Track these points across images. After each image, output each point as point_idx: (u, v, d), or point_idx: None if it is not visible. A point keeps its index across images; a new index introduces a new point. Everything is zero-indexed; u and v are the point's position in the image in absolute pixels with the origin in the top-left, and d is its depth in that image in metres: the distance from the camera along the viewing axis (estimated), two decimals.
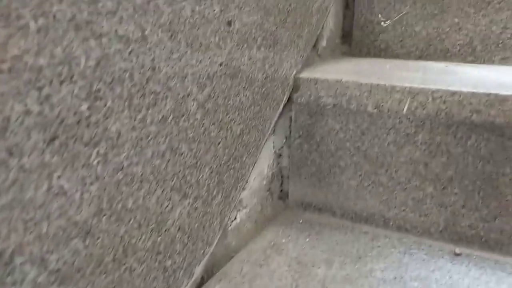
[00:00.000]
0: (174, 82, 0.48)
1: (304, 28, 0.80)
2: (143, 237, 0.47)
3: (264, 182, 0.82)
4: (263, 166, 0.81)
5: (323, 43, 1.02)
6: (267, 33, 0.67)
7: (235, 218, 0.74)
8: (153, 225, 0.48)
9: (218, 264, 0.68)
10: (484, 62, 1.00)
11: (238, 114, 0.62)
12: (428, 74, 0.83)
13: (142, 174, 0.45)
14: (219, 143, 0.59)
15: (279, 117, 0.81)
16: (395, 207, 0.78)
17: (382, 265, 0.68)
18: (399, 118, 0.74)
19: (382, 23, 1.07)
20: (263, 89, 0.68)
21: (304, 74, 0.81)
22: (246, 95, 0.64)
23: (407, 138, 0.74)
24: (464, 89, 0.68)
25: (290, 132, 0.85)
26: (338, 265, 0.68)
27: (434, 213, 0.75)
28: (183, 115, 0.51)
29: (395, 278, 0.65)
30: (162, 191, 0.49)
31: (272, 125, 0.74)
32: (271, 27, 0.68)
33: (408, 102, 0.71)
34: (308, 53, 0.84)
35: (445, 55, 1.03)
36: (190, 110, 0.52)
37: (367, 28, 1.09)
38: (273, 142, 0.84)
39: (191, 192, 0.54)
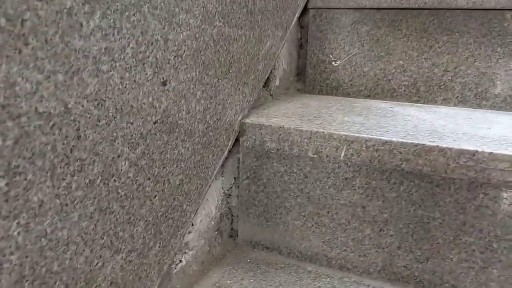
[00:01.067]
0: (102, 147, 0.51)
1: (250, 75, 0.84)
2: None
3: (213, 223, 0.85)
4: (211, 207, 0.84)
5: (276, 82, 1.06)
6: (208, 86, 0.70)
7: (180, 261, 0.76)
8: (81, 284, 0.50)
9: None
10: (428, 102, 1.05)
11: (176, 166, 0.65)
12: (369, 118, 0.87)
13: (68, 237, 0.48)
14: (155, 196, 0.61)
15: (227, 158, 0.84)
16: (337, 247, 0.81)
17: None
18: (338, 163, 0.78)
19: (333, 63, 1.12)
20: (205, 138, 0.71)
21: (250, 119, 0.84)
22: (185, 147, 0.66)
23: (346, 182, 0.78)
24: (395, 139, 0.72)
25: (239, 173, 0.88)
26: None
27: (373, 254, 0.78)
28: (113, 176, 0.53)
29: None
30: (91, 250, 0.51)
31: (216, 171, 0.77)
32: (211, 80, 0.71)
33: (344, 149, 0.75)
34: (255, 98, 0.88)
35: (392, 95, 1.07)
36: (122, 170, 0.54)
37: (319, 67, 1.14)
38: (222, 183, 0.87)
39: (124, 247, 0.56)
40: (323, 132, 0.76)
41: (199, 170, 0.71)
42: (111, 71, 0.51)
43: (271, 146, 0.81)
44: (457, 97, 1.02)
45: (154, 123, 0.59)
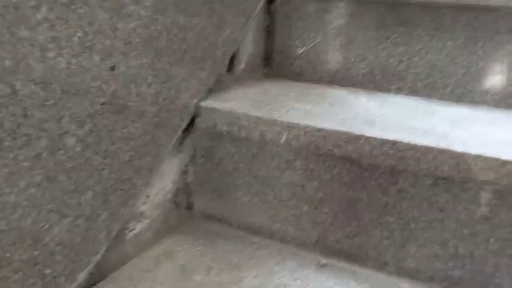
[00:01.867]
0: (48, 124, 0.58)
1: (207, 61, 0.90)
2: (19, 251, 0.57)
3: (169, 196, 0.93)
4: (167, 182, 0.91)
5: (241, 66, 1.12)
6: (160, 71, 0.77)
7: (133, 229, 0.84)
8: (29, 241, 0.59)
9: (112, 269, 0.79)
10: (383, 91, 1.11)
11: (126, 144, 0.72)
12: (318, 106, 0.94)
13: (14, 201, 0.55)
14: (103, 169, 0.69)
15: (186, 137, 0.92)
16: (279, 221, 0.89)
17: (254, 273, 0.80)
18: (280, 146, 0.85)
19: (298, 49, 1.18)
20: (156, 119, 0.78)
21: (207, 102, 0.91)
22: (135, 126, 0.74)
23: (287, 164, 0.86)
24: (328, 127, 0.79)
25: (195, 152, 0.95)
26: (216, 271, 0.79)
27: (309, 229, 0.86)
28: (60, 149, 0.61)
29: (260, 284, 0.76)
30: (39, 213, 0.59)
31: (168, 149, 0.84)
32: (164, 66, 0.78)
33: (285, 135, 0.82)
34: (212, 82, 0.95)
35: (351, 82, 1.14)
36: (69, 145, 0.62)
37: (285, 54, 1.20)
38: (180, 160, 0.95)
39: (71, 212, 0.64)
40: (268, 118, 0.83)
41: (151, 148, 0.79)
42: (57, 57, 0.58)
43: (222, 129, 0.88)
44: (409, 87, 1.08)
45: (102, 104, 0.66)
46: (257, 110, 0.87)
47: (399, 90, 1.10)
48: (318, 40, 1.15)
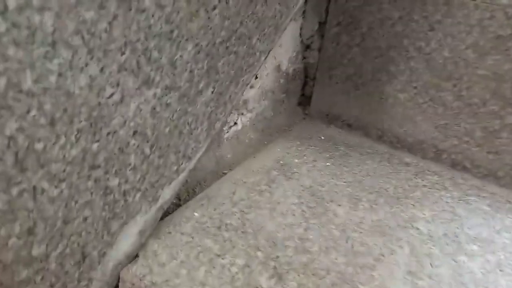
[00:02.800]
0: None
1: None
2: None
3: (281, 81, 0.61)
4: (281, 58, 0.59)
5: None
6: None
7: (235, 123, 0.54)
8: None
9: (205, 182, 0.51)
10: None
11: None
12: None
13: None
14: (214, 8, 0.37)
15: None
16: (455, 136, 0.57)
17: (428, 214, 0.50)
18: (491, 11, 0.50)
19: None
20: None
21: None
22: None
23: (497, 42, 0.51)
24: None
25: (327, 15, 0.61)
26: (368, 205, 0.50)
27: (510, 152, 0.54)
28: None
29: (445, 235, 0.47)
30: None
31: (300, 2, 0.50)
32: None
33: None
34: None
35: None
36: None
37: None
38: (301, 28, 0.61)
39: (158, 79, 0.34)
40: None
41: None
42: None
43: None
44: None
45: None
46: None
47: None
48: None
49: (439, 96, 0.56)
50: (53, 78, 0.26)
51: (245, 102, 0.55)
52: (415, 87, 0.57)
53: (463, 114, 0.55)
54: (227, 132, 0.53)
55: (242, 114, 0.55)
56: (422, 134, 0.59)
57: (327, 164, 0.57)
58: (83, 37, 0.26)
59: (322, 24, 0.63)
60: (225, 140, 0.53)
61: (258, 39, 0.45)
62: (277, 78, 0.60)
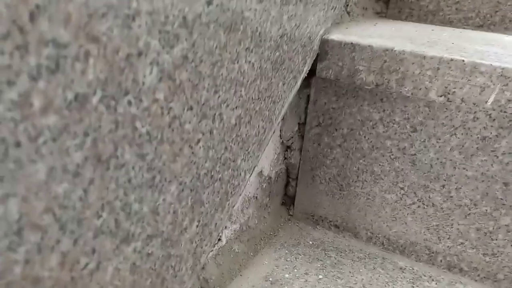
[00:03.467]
0: None
1: None
2: None
3: (264, 185, 0.58)
4: (263, 163, 0.57)
5: None
6: None
7: (219, 239, 0.50)
8: None
9: None
10: None
11: (235, 92, 0.37)
12: (509, 49, 0.58)
13: None
14: (198, 141, 0.34)
15: (298, 88, 0.56)
16: (449, 238, 0.54)
17: None
18: (475, 113, 0.49)
19: None
20: (276, 54, 0.43)
21: (335, 36, 0.55)
22: (250, 61, 0.38)
23: (483, 144, 0.50)
24: None
25: (306, 117, 0.60)
26: None
27: (509, 254, 0.52)
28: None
29: None
30: None
31: (284, 109, 0.49)
32: None
33: (496, 91, 0.46)
34: (341, 5, 0.59)
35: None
36: (144, 83, 0.27)
37: None
38: (281, 130, 0.60)
39: (139, 232, 0.30)
40: (462, 60, 0.48)
41: (264, 104, 0.44)
42: None
43: (366, 80, 0.53)
44: None
45: (208, 4, 0.31)
46: (431, 50, 0.51)
47: None
48: None
49: (428, 197, 0.54)
50: (18, 269, 0.21)
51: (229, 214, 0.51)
52: (402, 188, 0.56)
53: (455, 215, 0.53)
54: (211, 251, 0.49)
55: (226, 227, 0.51)
56: (413, 236, 0.56)
57: (320, 277, 0.53)
58: (54, 214, 0.23)
59: (301, 124, 0.61)
60: (208, 260, 0.49)
61: (242, 159, 0.42)
62: (260, 183, 0.57)
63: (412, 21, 0.84)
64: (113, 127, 0.25)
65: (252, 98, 0.41)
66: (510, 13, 0.76)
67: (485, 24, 0.78)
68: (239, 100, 0.38)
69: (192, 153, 0.33)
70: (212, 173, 0.37)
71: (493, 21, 0.77)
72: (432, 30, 0.71)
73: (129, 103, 0.26)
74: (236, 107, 0.38)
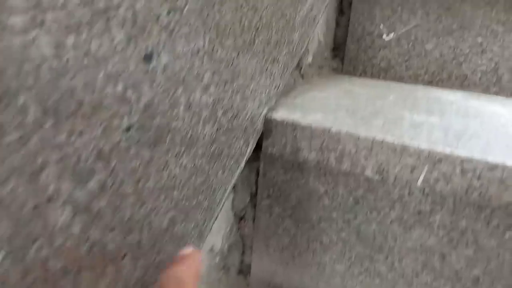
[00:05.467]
0: None
1: (282, 49, 0.57)
2: None
3: (217, 259, 0.60)
4: (215, 238, 0.58)
5: (309, 59, 0.79)
6: (222, 63, 0.43)
7: None
8: None
9: None
10: (511, 95, 0.78)
11: (165, 198, 0.39)
12: (447, 117, 0.61)
13: None
14: (124, 256, 0.35)
15: (242, 170, 0.58)
16: None
17: None
18: (409, 188, 0.52)
19: (384, 36, 0.84)
20: (213, 147, 0.45)
21: (279, 114, 0.58)
22: (181, 164, 0.40)
23: (419, 217, 0.52)
24: (510, 163, 0.46)
25: (257, 188, 0.62)
26: None
27: None
28: None
29: None
30: None
31: (226, 194, 0.51)
32: (228, 54, 0.44)
33: (425, 171, 0.49)
34: (285, 81, 0.61)
35: (462, 83, 0.80)
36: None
37: (364, 41, 0.86)
38: (233, 201, 0.61)
39: None
40: (393, 143, 0.50)
41: (202, 197, 0.45)
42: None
43: (308, 157, 0.55)
44: None
45: (127, 129, 0.33)
46: (367, 128, 0.53)
47: None
48: (415, 24, 0.82)
49: (374, 267, 0.56)
50: None
51: None
52: (350, 258, 0.57)
53: (399, 285, 0.55)
54: None
55: None
56: None
57: None
58: None
59: (253, 195, 0.63)
60: None
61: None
62: (212, 259, 0.58)
63: (366, 77, 0.87)
64: (19, 278, 0.26)
65: (186, 196, 0.42)
66: (456, 70, 0.80)
67: (434, 81, 0.82)
68: (171, 202, 0.40)
69: (116, 270, 0.34)
70: (145, 279, 0.39)
71: (441, 78, 0.81)
72: (381, 91, 0.74)
73: (40, 248, 0.27)
74: (168, 211, 0.40)
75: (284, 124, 0.56)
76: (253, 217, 0.63)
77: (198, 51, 0.39)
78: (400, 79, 0.84)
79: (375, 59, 0.86)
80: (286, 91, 0.71)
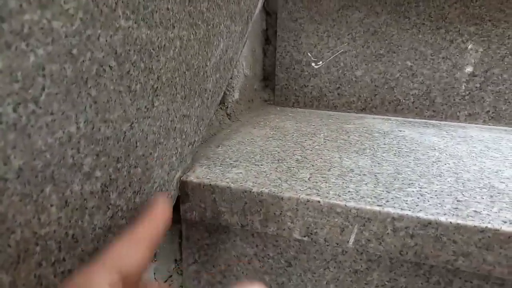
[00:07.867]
0: None
1: (193, 102, 0.51)
2: None
3: None
4: None
5: (235, 96, 0.74)
6: (108, 142, 0.37)
7: None
8: None
9: None
10: (446, 118, 0.76)
11: None
12: (378, 157, 0.57)
13: None
14: None
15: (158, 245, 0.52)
16: None
17: None
18: (342, 247, 0.47)
19: (313, 64, 0.80)
20: (109, 235, 0.38)
21: (197, 173, 0.52)
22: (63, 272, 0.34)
23: (356, 277, 0.48)
24: (443, 218, 0.42)
25: (181, 254, 0.56)
26: None
27: None
28: None
29: None
30: None
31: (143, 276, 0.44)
32: (117, 128, 0.38)
33: (355, 232, 0.45)
34: (203, 134, 0.56)
35: (395, 108, 0.78)
36: None
37: (294, 70, 0.82)
38: (154, 273, 0.55)
39: None
40: (319, 202, 0.45)
41: None
42: None
43: (231, 221, 0.50)
44: (488, 111, 0.73)
45: None
46: (292, 184, 0.49)
47: (472, 118, 0.75)
48: (342, 50, 0.79)
49: None
50: None
51: None
52: None
53: None
54: None
55: None
56: None
57: None
58: None
59: (178, 261, 0.57)
60: None
61: None
62: None
63: (299, 107, 0.83)
64: None
65: None
66: (388, 95, 0.77)
67: (367, 107, 0.79)
68: None
69: None
70: None
71: (374, 104, 0.78)
72: (313, 125, 0.70)
73: None
74: None
75: (201, 187, 0.50)
76: (180, 285, 0.57)
77: (70, 138, 0.32)
78: (333, 107, 0.81)
79: (306, 88, 0.82)
80: (210, 135, 0.65)
